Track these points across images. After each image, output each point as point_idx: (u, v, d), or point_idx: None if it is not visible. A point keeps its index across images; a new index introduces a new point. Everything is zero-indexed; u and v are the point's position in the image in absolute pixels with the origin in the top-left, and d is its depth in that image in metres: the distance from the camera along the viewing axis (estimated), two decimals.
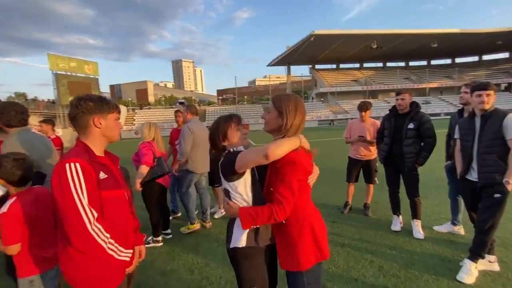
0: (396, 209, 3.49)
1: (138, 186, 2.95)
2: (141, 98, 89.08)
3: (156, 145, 3.21)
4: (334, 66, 54.88)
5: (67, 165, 1.16)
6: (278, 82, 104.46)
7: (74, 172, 1.15)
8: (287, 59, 49.63)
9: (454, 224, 3.22)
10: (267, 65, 53.53)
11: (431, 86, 47.62)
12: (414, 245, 2.99)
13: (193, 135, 3.37)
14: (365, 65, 55.68)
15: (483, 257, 2.35)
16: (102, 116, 1.30)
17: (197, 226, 3.62)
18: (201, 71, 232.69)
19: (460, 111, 3.03)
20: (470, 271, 2.31)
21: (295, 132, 1.37)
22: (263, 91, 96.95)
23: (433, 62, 55.70)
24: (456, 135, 2.65)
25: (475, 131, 2.41)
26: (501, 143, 2.24)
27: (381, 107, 35.54)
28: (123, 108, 38.84)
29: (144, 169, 2.98)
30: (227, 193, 1.43)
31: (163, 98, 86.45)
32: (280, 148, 1.26)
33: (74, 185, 1.14)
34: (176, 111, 4.22)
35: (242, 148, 1.50)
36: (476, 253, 2.35)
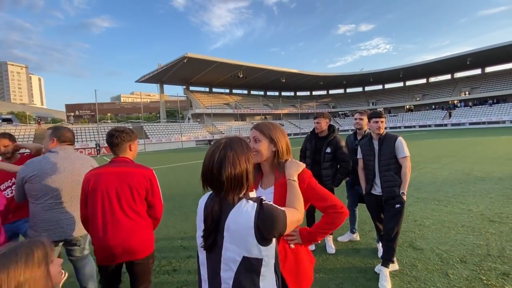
0: None
1: None
2: None
3: None
4: (207, 89, 57.33)
5: None
6: (148, 101, 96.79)
7: None
8: (159, 77, 47.05)
9: (353, 232, 3.68)
10: (136, 81, 48.50)
11: (283, 112, 58.89)
12: (333, 262, 3.12)
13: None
14: (234, 91, 61.75)
15: (393, 262, 2.72)
16: None
17: None
18: (40, 79, 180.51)
19: (355, 133, 3.57)
20: (386, 277, 2.59)
21: (289, 152, 1.44)
22: (131, 108, 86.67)
23: (283, 93, 69.67)
24: (359, 155, 3.04)
25: (374, 151, 2.84)
26: (395, 161, 2.72)
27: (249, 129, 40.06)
28: None
29: None
30: (249, 264, 0.98)
31: None
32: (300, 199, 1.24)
33: None
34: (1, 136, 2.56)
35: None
36: (388, 259, 2.69)
